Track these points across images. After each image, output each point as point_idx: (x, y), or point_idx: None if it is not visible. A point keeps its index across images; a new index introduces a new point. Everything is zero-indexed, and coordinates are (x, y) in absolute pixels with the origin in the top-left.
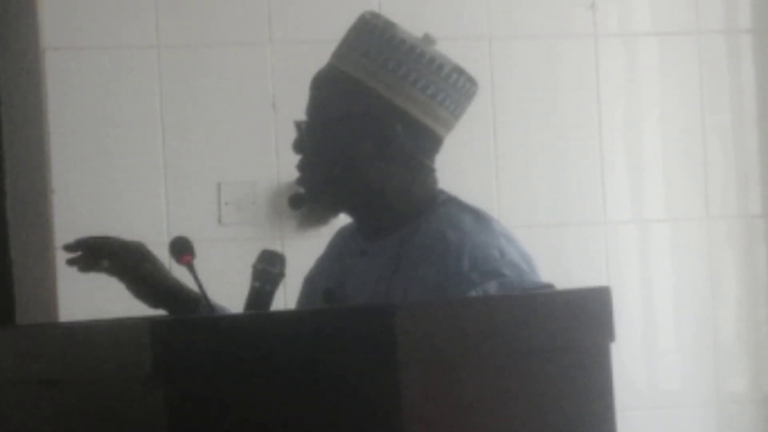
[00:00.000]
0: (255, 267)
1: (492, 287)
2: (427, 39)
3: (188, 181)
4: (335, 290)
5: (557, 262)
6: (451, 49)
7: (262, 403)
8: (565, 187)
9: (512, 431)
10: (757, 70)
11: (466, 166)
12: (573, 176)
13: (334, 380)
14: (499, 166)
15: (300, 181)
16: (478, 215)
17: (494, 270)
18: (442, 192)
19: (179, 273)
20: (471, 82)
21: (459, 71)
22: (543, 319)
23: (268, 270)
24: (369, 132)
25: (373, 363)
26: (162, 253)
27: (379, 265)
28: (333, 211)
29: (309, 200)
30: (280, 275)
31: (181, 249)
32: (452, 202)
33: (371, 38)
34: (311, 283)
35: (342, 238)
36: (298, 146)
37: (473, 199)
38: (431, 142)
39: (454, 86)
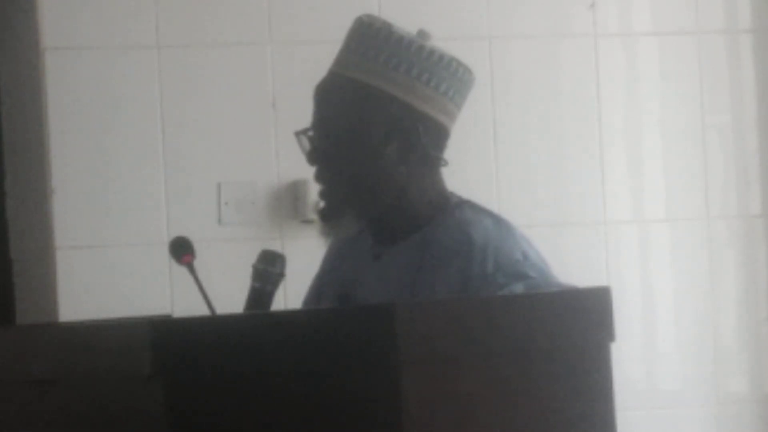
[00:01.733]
0: (255, 267)
1: (519, 288)
2: (424, 35)
3: (188, 181)
4: (350, 295)
5: (557, 262)
6: (451, 49)
7: (261, 403)
8: (565, 187)
9: (512, 431)
10: (757, 70)
11: (466, 166)
12: (573, 176)
13: (333, 380)
14: (499, 166)
15: (320, 194)
16: (496, 218)
17: (520, 272)
18: (453, 194)
19: (179, 273)
20: (469, 71)
21: (458, 62)
22: (543, 319)
23: (268, 270)
24: (392, 137)
25: (373, 363)
26: (162, 253)
27: (398, 268)
28: (358, 218)
29: (334, 212)
30: (280, 275)
31: (181, 249)
32: (466, 204)
33: (376, 42)
34: (320, 284)
35: (342, 244)
36: (313, 158)
37: (474, 199)
38: (444, 138)
39: (461, 80)
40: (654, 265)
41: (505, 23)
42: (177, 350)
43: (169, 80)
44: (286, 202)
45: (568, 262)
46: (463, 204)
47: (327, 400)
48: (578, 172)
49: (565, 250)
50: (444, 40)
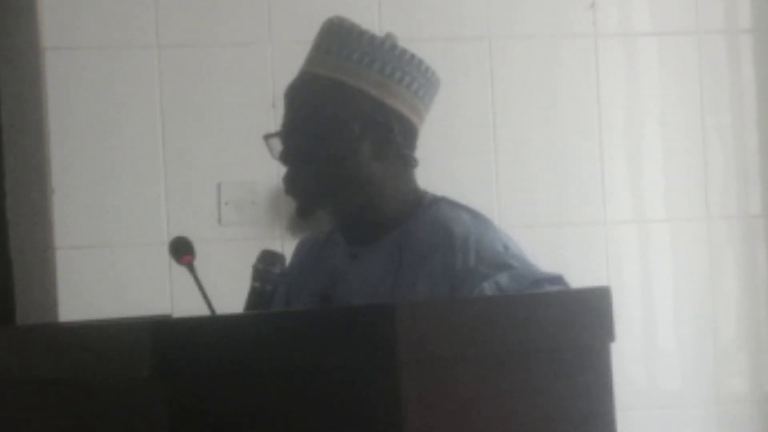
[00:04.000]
0: (255, 267)
1: (503, 278)
2: (391, 37)
3: (188, 181)
4: (330, 295)
5: (557, 262)
6: (451, 49)
7: (261, 402)
8: (565, 187)
9: (512, 431)
10: (757, 70)
11: (467, 166)
12: (573, 176)
13: (333, 380)
14: (499, 166)
15: (292, 193)
16: (473, 213)
17: (502, 262)
18: (427, 192)
19: (179, 273)
20: (435, 73)
21: (426, 63)
22: (543, 319)
23: (268, 270)
24: (366, 133)
25: (373, 363)
26: (162, 253)
27: (377, 266)
28: (332, 216)
29: (309, 209)
30: (280, 275)
31: (181, 249)
32: (443, 201)
33: (348, 41)
34: (289, 284)
35: (307, 246)
36: (286, 158)
37: (473, 199)
38: (414, 138)
39: (430, 80)
40: (654, 265)
41: (505, 23)
42: (177, 350)
43: (169, 80)
44: (286, 202)
45: (568, 262)
46: (439, 201)
47: (327, 399)
48: (578, 172)
49: (565, 250)
50: (444, 40)
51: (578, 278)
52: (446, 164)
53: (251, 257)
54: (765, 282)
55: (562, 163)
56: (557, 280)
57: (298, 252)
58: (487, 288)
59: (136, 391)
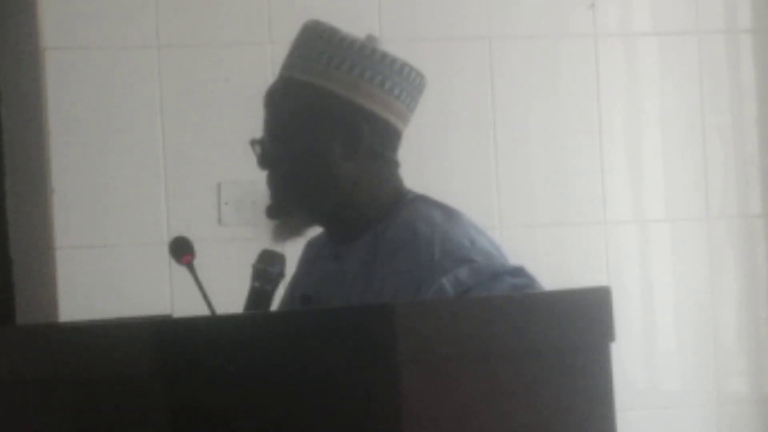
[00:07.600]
0: (255, 267)
1: (463, 273)
2: (372, 38)
3: (188, 181)
4: (312, 295)
5: (557, 262)
6: (451, 49)
7: (261, 402)
8: (565, 187)
9: (512, 431)
10: (757, 70)
11: (467, 166)
12: (573, 176)
13: (333, 380)
14: (499, 166)
15: (273, 196)
16: (447, 210)
17: (465, 257)
18: (409, 191)
19: (179, 273)
20: (420, 75)
21: (408, 65)
22: (543, 319)
23: (268, 270)
24: (336, 133)
25: (373, 363)
26: (162, 253)
27: (353, 266)
28: (309, 219)
29: (285, 212)
30: (280, 275)
31: (181, 249)
32: (420, 199)
33: (320, 43)
34: (291, 290)
35: (313, 247)
36: (263, 162)
37: (473, 199)
38: (393, 137)
39: (407, 79)
40: (654, 265)
41: (505, 23)
42: (177, 350)
43: (169, 80)
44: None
45: (568, 262)
46: (417, 199)
47: (327, 399)
48: (578, 172)
49: (565, 250)
50: (444, 40)
51: (578, 278)
52: (446, 164)
53: (251, 257)
54: (765, 282)
55: (562, 163)
56: (518, 272)
57: (303, 255)
58: (446, 283)
59: (136, 390)
